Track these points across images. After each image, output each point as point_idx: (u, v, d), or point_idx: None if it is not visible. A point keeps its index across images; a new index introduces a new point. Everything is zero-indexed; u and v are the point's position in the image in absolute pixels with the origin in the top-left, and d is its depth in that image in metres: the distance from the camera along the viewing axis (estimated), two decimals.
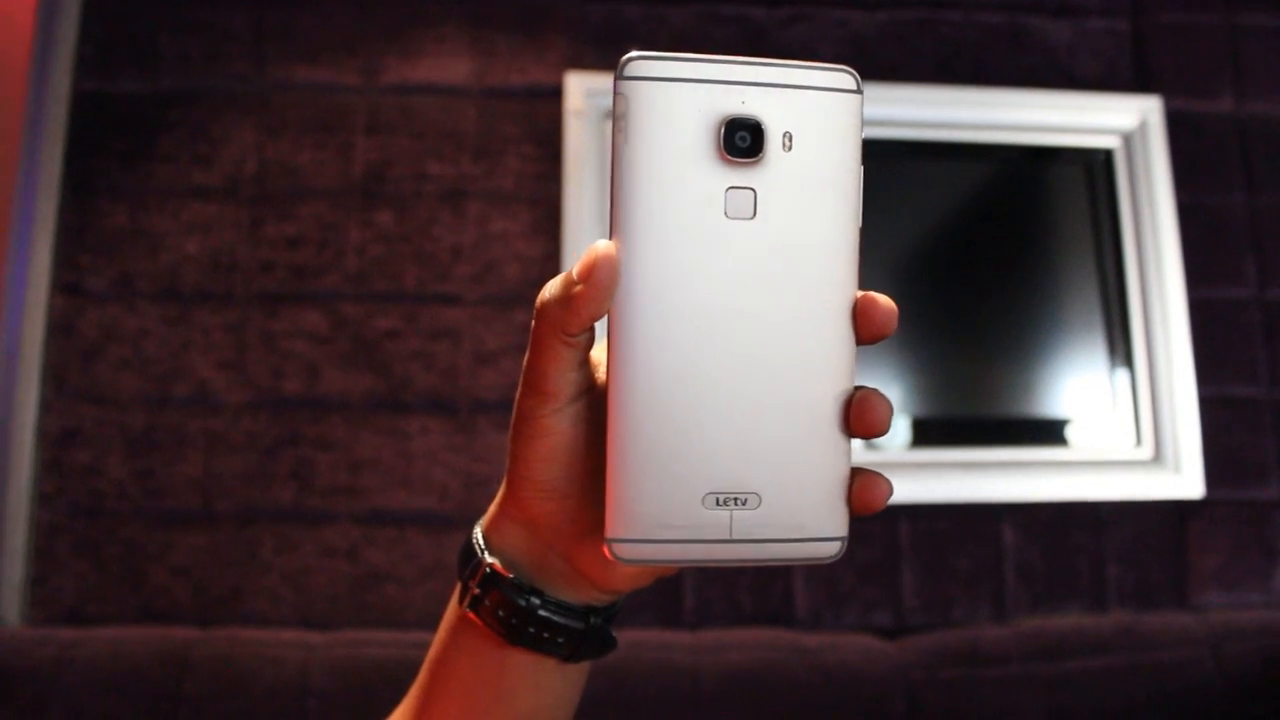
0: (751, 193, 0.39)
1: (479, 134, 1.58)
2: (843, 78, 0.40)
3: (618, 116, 0.39)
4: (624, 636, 1.33)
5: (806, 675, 1.30)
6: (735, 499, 0.40)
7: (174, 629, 1.34)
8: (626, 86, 0.39)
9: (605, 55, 1.61)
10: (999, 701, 1.31)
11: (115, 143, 1.54)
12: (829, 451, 0.41)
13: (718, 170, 0.39)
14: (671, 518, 0.40)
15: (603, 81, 1.58)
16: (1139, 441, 1.59)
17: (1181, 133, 1.68)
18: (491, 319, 1.52)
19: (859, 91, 0.40)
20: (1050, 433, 1.59)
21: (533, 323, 0.42)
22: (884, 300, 0.42)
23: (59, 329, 1.49)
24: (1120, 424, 1.61)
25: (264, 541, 1.46)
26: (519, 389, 0.44)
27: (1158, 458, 1.58)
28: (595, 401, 0.44)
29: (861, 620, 1.51)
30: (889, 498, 0.43)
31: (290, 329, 1.51)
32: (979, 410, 1.60)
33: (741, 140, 0.39)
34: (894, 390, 1.58)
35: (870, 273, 1.58)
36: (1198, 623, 1.40)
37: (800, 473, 0.40)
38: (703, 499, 0.40)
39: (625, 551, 0.40)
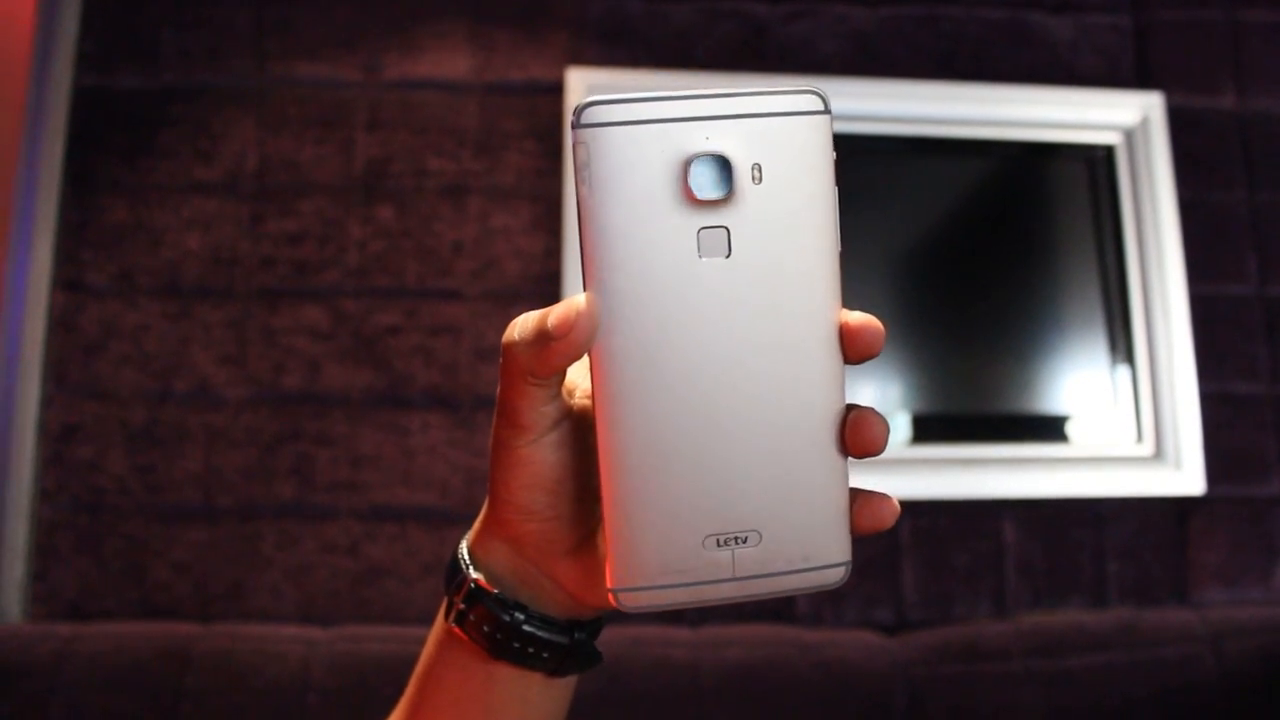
0: (725, 231, 0.38)
1: (480, 130, 1.58)
2: (809, 100, 0.39)
3: (579, 166, 0.37)
4: (624, 633, 1.33)
5: (807, 671, 1.30)
6: (735, 538, 0.40)
7: (175, 625, 1.34)
8: (585, 134, 0.37)
9: (606, 51, 1.61)
10: (999, 697, 1.31)
11: (116, 138, 1.54)
12: (826, 478, 0.41)
13: (687, 211, 0.38)
14: (673, 563, 0.39)
15: (605, 77, 1.58)
16: (1140, 438, 1.59)
17: (1183, 129, 1.68)
18: (492, 314, 1.52)
19: (827, 112, 0.39)
20: (1051, 429, 1.59)
21: (501, 359, 0.42)
22: (869, 321, 0.40)
23: (60, 325, 1.49)
24: (1121, 420, 1.61)
25: (265, 537, 1.46)
26: (495, 419, 0.44)
27: (1158, 454, 1.58)
28: (574, 426, 0.44)
29: (862, 616, 1.51)
30: (895, 517, 0.42)
31: (291, 325, 1.51)
32: (980, 407, 1.60)
33: (709, 178, 0.38)
34: (895, 387, 1.58)
35: (872, 270, 1.59)
36: (1198, 619, 1.40)
37: (799, 504, 0.40)
38: (703, 542, 0.40)
39: (629, 600, 0.40)
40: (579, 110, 0.38)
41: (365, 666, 1.27)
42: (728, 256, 0.38)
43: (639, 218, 0.38)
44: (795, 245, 0.39)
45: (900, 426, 1.57)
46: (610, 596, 0.40)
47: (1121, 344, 1.62)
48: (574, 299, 0.39)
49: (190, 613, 1.43)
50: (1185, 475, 1.56)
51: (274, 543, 1.46)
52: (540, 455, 0.43)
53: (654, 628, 1.38)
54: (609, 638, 1.31)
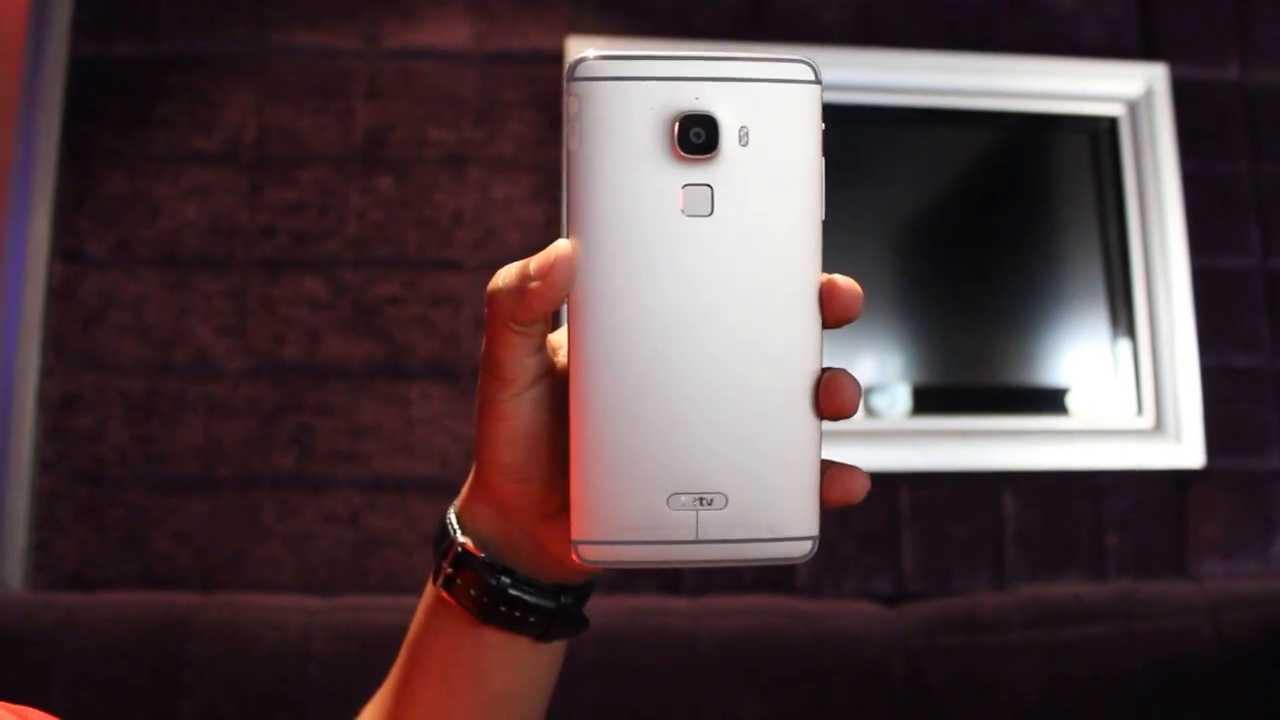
0: (708, 189, 0.39)
1: (480, 99, 1.57)
2: (800, 69, 0.39)
3: (571, 117, 0.38)
4: (623, 603, 1.34)
5: (806, 642, 1.31)
6: (701, 499, 0.39)
7: (176, 594, 1.34)
8: (578, 87, 0.38)
9: (607, 20, 1.60)
10: (997, 668, 1.32)
11: (114, 108, 1.53)
12: (799, 445, 0.40)
13: (673, 168, 0.38)
14: (636, 519, 0.39)
15: (606, 46, 1.57)
16: (1140, 410, 1.59)
17: (1187, 100, 1.67)
18: None
19: (817, 83, 0.39)
20: (1051, 401, 1.59)
21: (485, 309, 0.42)
22: (847, 283, 0.41)
23: (59, 295, 1.49)
24: (1121, 393, 1.60)
25: (265, 507, 1.46)
26: (480, 375, 0.44)
27: (1158, 427, 1.58)
28: (556, 384, 0.44)
29: (861, 587, 1.51)
30: (866, 490, 0.42)
31: (291, 295, 1.51)
32: (980, 378, 1.60)
33: (696, 136, 0.38)
34: (895, 358, 1.58)
35: (873, 240, 1.59)
36: (1196, 591, 1.40)
37: (768, 471, 0.40)
38: (668, 499, 0.39)
39: (590, 554, 0.39)
40: (574, 65, 0.39)
41: (366, 636, 1.28)
42: (710, 214, 0.39)
43: (625, 170, 0.38)
44: (778, 208, 0.39)
45: (900, 398, 1.57)
46: (571, 550, 0.40)
47: (1122, 316, 1.62)
48: (557, 243, 0.39)
49: (191, 583, 1.43)
50: (1185, 448, 1.56)
51: (274, 513, 1.46)
52: (523, 410, 0.43)
53: (653, 597, 1.39)
54: (607, 608, 1.31)
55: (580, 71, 0.38)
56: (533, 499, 0.45)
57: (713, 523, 0.39)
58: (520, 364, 0.42)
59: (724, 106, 0.38)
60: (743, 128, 0.39)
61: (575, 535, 0.39)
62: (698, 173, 0.39)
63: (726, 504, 0.39)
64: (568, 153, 0.39)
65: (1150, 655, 1.33)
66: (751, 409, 0.39)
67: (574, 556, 0.40)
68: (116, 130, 1.53)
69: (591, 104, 0.38)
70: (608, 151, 0.38)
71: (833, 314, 0.41)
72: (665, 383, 0.39)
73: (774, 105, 0.39)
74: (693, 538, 0.39)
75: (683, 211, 0.38)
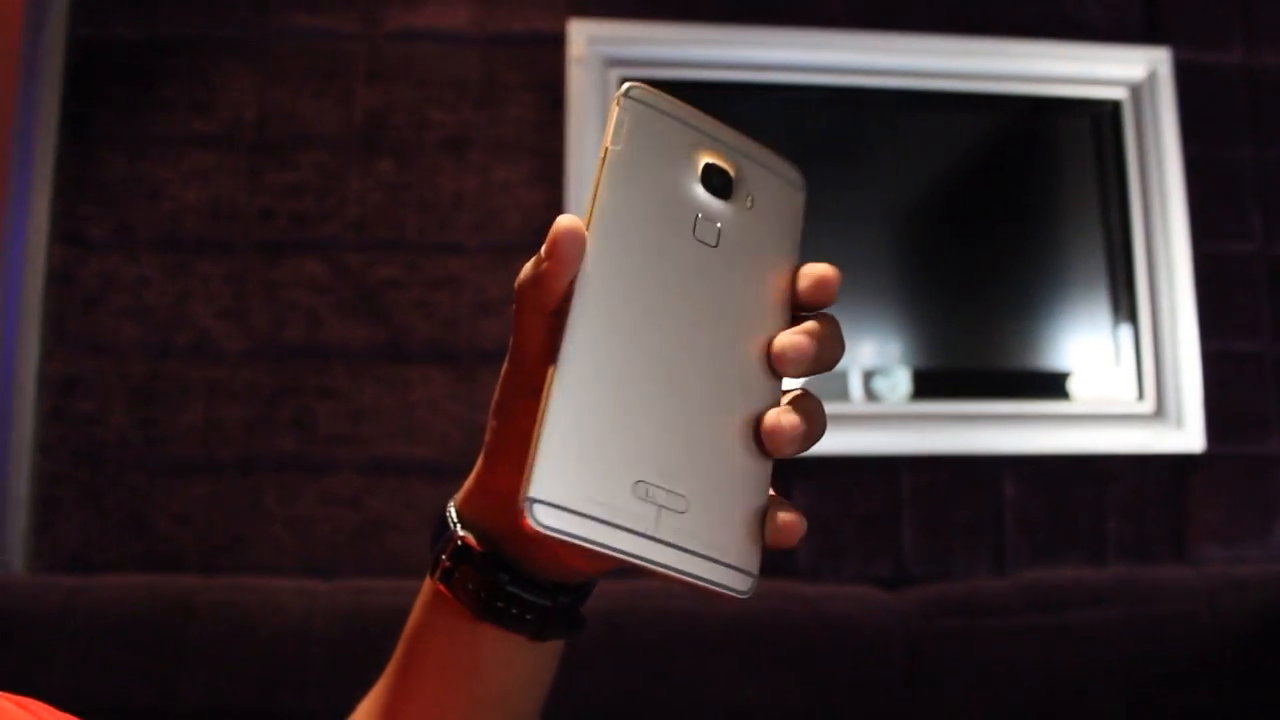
0: (718, 226, 0.42)
1: (481, 82, 1.56)
2: (796, 175, 0.46)
3: (617, 124, 0.41)
4: (624, 584, 1.34)
5: (806, 624, 1.31)
6: (664, 492, 0.39)
7: (177, 577, 1.34)
8: (632, 104, 0.42)
9: (608, 1, 1.59)
10: (997, 652, 1.32)
11: (113, 90, 1.53)
12: (753, 480, 0.41)
13: (695, 196, 0.42)
14: (599, 494, 0.37)
15: (606, 28, 1.56)
16: (1141, 395, 1.59)
17: (1190, 84, 1.66)
18: (493, 268, 1.52)
19: (803, 192, 0.46)
20: (1052, 386, 1.59)
21: (513, 307, 0.42)
22: (791, 343, 0.41)
23: (59, 278, 1.49)
24: (1122, 378, 1.60)
25: (266, 490, 1.46)
26: (505, 369, 0.44)
27: (1159, 412, 1.58)
28: None
29: (862, 571, 1.51)
30: (800, 536, 0.41)
31: (291, 278, 1.51)
32: (981, 363, 1.60)
33: (719, 179, 0.43)
34: (897, 342, 1.58)
35: (876, 224, 1.59)
36: (1196, 576, 1.40)
37: (726, 490, 0.40)
38: (633, 485, 0.38)
39: (542, 515, 0.36)
40: (634, 86, 0.42)
41: (366, 619, 1.28)
42: (715, 246, 0.42)
43: (655, 179, 0.42)
44: (761, 268, 0.43)
45: (901, 382, 1.57)
46: (522, 509, 0.36)
47: (1124, 301, 1.61)
48: (561, 218, 0.40)
49: (192, 565, 1.44)
50: (1186, 433, 1.56)
51: (275, 496, 1.46)
52: None
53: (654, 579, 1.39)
54: (608, 589, 1.31)
55: (635, 93, 0.42)
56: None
57: (671, 524, 0.38)
58: (547, 353, 0.42)
59: (740, 171, 0.44)
60: (749, 194, 0.44)
61: (531, 492, 0.36)
62: (712, 209, 0.43)
63: (687, 509, 0.39)
64: (606, 150, 0.41)
65: (1150, 640, 1.33)
66: (719, 433, 0.40)
67: (524, 518, 0.36)
68: (116, 113, 1.52)
69: (640, 119, 0.42)
70: (643, 159, 0.41)
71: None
72: (646, 373, 0.39)
73: (774, 191, 0.45)
74: (649, 532, 0.38)
75: (694, 234, 0.42)
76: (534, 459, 0.37)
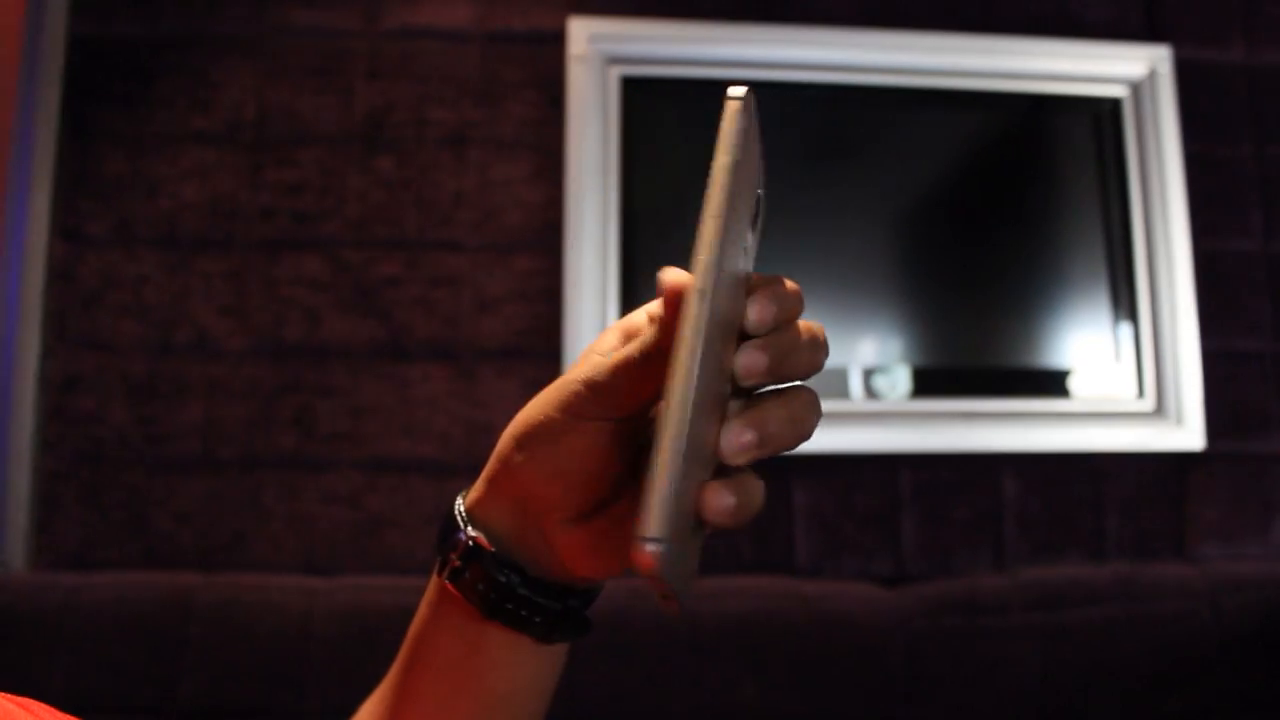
0: (744, 248, 0.42)
1: (481, 79, 1.56)
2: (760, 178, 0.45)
3: (742, 130, 0.39)
4: (624, 584, 1.34)
5: (806, 623, 1.31)
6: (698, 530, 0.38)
7: (177, 575, 1.34)
8: (746, 109, 0.40)
9: (609, 0, 1.59)
10: (997, 650, 1.32)
11: (113, 87, 1.53)
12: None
13: (749, 223, 0.42)
14: (686, 534, 0.36)
15: (607, 26, 1.56)
16: (1141, 393, 1.59)
17: (1191, 82, 1.66)
18: (493, 266, 1.52)
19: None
20: (1052, 384, 1.59)
21: (611, 373, 0.42)
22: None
23: (59, 275, 1.48)
24: (1123, 376, 1.60)
25: (266, 488, 1.46)
26: (572, 386, 0.43)
27: (1159, 410, 1.58)
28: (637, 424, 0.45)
29: (861, 569, 1.51)
30: (730, 509, 0.37)
31: (291, 275, 1.51)
32: (981, 360, 1.59)
33: (757, 206, 0.44)
34: (896, 340, 1.58)
35: (875, 222, 1.58)
36: (1196, 574, 1.40)
37: (689, 529, 0.37)
38: (693, 525, 0.37)
39: (660, 554, 0.34)
40: (748, 93, 0.40)
41: (366, 617, 1.28)
42: (747, 272, 0.42)
43: (743, 200, 0.40)
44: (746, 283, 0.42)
45: (901, 380, 1.57)
46: (639, 546, 0.34)
47: (1124, 299, 1.61)
48: (668, 275, 0.39)
49: (192, 563, 1.44)
50: (1186, 431, 1.56)
51: (275, 493, 1.46)
52: (612, 426, 0.44)
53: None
54: (608, 588, 1.31)
55: (751, 101, 0.40)
56: (559, 500, 0.45)
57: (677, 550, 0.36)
58: (649, 402, 0.43)
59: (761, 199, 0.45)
60: (762, 219, 0.45)
61: (653, 532, 0.34)
62: (748, 237, 0.42)
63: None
64: (731, 161, 0.38)
65: (1150, 638, 1.33)
66: (706, 450, 0.38)
67: (635, 554, 0.34)
68: (116, 110, 1.52)
69: (748, 130, 0.40)
70: (743, 174, 0.39)
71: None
72: (704, 407, 0.37)
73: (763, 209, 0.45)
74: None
75: (740, 260, 0.41)
76: (647, 499, 0.35)
